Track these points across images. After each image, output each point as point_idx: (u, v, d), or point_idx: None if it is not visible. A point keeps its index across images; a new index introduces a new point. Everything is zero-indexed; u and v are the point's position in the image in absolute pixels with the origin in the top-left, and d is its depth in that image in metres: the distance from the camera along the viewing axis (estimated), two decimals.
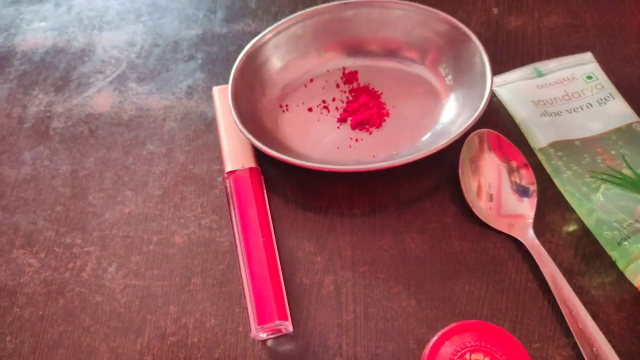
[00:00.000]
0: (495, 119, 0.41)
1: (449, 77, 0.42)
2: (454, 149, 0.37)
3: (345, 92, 0.43)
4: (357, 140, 0.41)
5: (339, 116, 0.42)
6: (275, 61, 0.43)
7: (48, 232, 0.39)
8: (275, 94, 0.43)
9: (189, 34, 0.48)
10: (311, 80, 0.44)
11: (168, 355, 0.34)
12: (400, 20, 0.43)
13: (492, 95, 0.42)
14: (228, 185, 0.37)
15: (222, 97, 0.41)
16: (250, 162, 0.38)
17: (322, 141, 0.41)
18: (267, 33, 0.42)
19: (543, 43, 0.44)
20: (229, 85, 0.39)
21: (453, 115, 0.40)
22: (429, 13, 0.42)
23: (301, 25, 0.43)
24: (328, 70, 0.44)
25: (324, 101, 0.43)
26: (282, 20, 0.43)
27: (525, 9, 0.46)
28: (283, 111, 0.42)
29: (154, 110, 0.44)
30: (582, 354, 0.31)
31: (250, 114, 0.40)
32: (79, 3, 0.51)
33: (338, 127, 0.41)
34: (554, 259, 0.34)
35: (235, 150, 0.38)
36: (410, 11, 0.43)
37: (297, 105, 0.43)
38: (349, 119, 0.41)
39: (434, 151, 0.35)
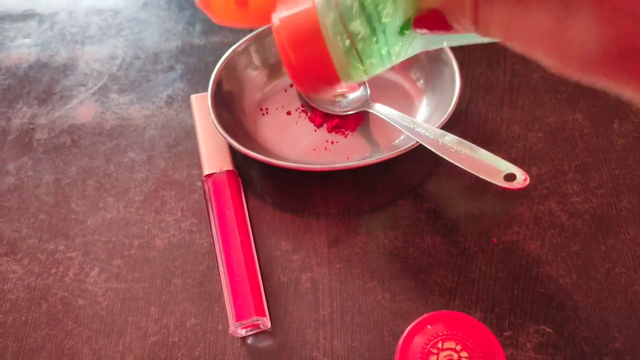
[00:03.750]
0: (464, 118, 0.43)
1: (421, 81, 0.43)
2: (426, 148, 0.38)
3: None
4: (332, 142, 0.42)
5: (316, 120, 0.43)
6: (254, 67, 0.44)
7: (31, 240, 0.39)
8: (255, 98, 0.44)
9: (168, 46, 0.49)
10: (291, 85, 0.45)
11: (149, 355, 0.34)
12: None
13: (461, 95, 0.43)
14: (206, 188, 0.38)
15: (200, 104, 0.42)
16: (227, 165, 0.39)
17: (299, 143, 0.42)
18: (247, 40, 0.44)
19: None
20: (209, 90, 0.41)
21: (425, 116, 0.41)
22: None
23: None
24: None
25: (302, 105, 0.44)
26: (261, 28, 0.44)
27: None
28: (263, 114, 0.44)
29: (134, 120, 0.45)
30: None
31: (229, 117, 0.41)
32: (62, 19, 0.52)
33: (315, 131, 0.43)
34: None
35: (213, 154, 0.40)
36: None
37: (277, 109, 0.44)
38: (326, 123, 0.43)
39: (404, 151, 0.37)
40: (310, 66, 0.29)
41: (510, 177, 0.34)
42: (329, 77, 0.29)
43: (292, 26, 0.29)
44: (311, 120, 0.43)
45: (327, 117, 0.43)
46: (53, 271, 0.38)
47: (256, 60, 0.44)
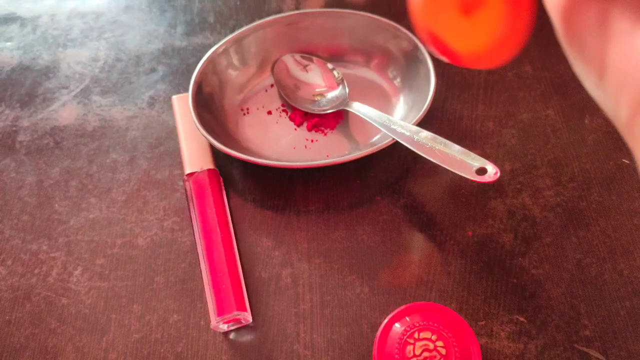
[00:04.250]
0: (440, 115, 0.44)
1: (397, 79, 0.44)
2: (403, 145, 0.39)
3: None
4: (312, 141, 0.43)
5: (296, 119, 0.44)
6: (235, 67, 0.45)
7: (14, 240, 0.40)
8: (236, 98, 0.45)
9: (150, 48, 0.50)
10: (271, 86, 0.46)
11: (132, 351, 0.35)
12: (352, 29, 0.46)
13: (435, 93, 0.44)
14: (188, 187, 0.39)
15: (181, 104, 0.43)
16: (208, 164, 0.40)
17: (279, 142, 0.43)
18: (228, 40, 0.44)
19: None
20: (190, 90, 0.41)
21: (402, 114, 0.42)
22: (379, 22, 0.45)
23: (260, 34, 0.45)
24: None
25: (282, 105, 0.45)
26: (243, 29, 0.45)
27: None
28: (244, 114, 0.44)
29: (117, 121, 0.45)
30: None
31: (211, 117, 0.42)
32: (44, 23, 0.53)
33: (295, 129, 0.44)
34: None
35: (194, 153, 0.40)
36: (361, 20, 0.45)
37: (258, 109, 0.45)
38: (306, 122, 0.44)
39: (381, 148, 0.38)
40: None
41: (482, 171, 0.35)
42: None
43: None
44: (291, 119, 0.44)
45: (307, 116, 0.44)
46: (36, 271, 0.38)
47: (236, 60, 0.45)
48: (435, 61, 0.42)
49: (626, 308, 0.34)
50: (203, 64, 0.43)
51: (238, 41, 0.45)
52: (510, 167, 0.41)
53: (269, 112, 0.44)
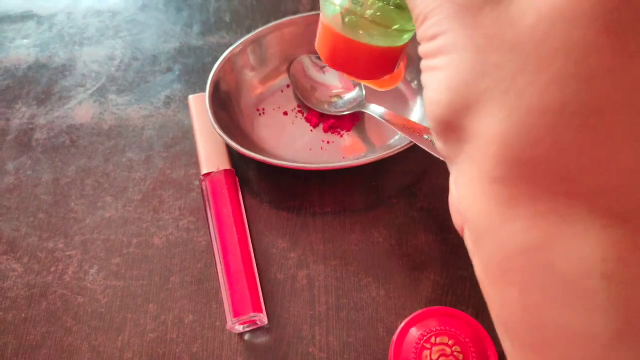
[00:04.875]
0: None
1: (415, 82, 0.44)
2: (420, 147, 0.39)
3: None
4: (328, 142, 0.43)
5: (312, 120, 0.44)
6: (251, 67, 0.45)
7: (31, 238, 0.40)
8: (252, 98, 0.45)
9: (166, 48, 0.50)
10: (287, 86, 0.46)
11: (148, 351, 0.35)
12: None
13: None
14: (204, 187, 0.39)
15: (197, 104, 0.43)
16: (224, 165, 0.40)
17: (295, 143, 0.43)
18: (245, 40, 0.44)
19: None
20: (207, 90, 0.41)
21: (419, 117, 0.42)
22: None
23: (277, 34, 0.45)
24: None
25: (298, 105, 0.45)
26: (260, 29, 0.45)
27: None
28: (260, 114, 0.44)
29: (133, 120, 0.45)
30: None
31: (227, 117, 0.42)
32: (60, 21, 0.53)
33: (311, 130, 0.43)
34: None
35: (210, 153, 0.40)
36: None
37: (273, 109, 0.45)
38: (322, 123, 0.43)
39: (398, 151, 0.37)
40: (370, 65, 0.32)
41: None
42: (382, 62, 0.32)
43: (323, 50, 0.33)
44: (307, 120, 0.44)
45: (323, 117, 0.43)
46: (52, 269, 0.39)
47: (253, 61, 0.45)
48: None
49: None
50: (220, 63, 0.43)
51: (255, 41, 0.45)
52: None
53: (285, 113, 0.44)
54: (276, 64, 0.46)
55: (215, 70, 0.42)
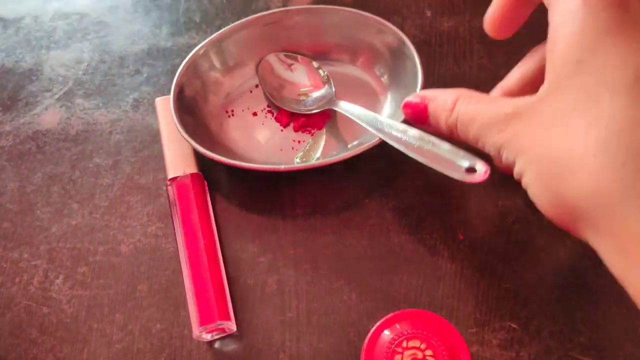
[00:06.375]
0: None
1: (385, 76, 0.43)
2: (391, 145, 0.38)
3: None
4: (299, 142, 0.42)
5: (282, 120, 0.43)
6: (218, 69, 0.44)
7: None
8: (220, 100, 0.44)
9: (134, 49, 0.49)
10: (256, 86, 0.45)
11: None
12: (338, 26, 0.44)
13: None
14: (170, 192, 0.38)
15: (164, 107, 0.41)
16: (191, 168, 0.39)
17: (266, 144, 0.42)
18: (208, 42, 0.43)
19: (474, 42, 0.46)
20: (171, 94, 0.40)
21: (391, 112, 0.41)
22: (364, 18, 0.43)
23: (242, 34, 0.44)
24: None
25: (268, 105, 0.44)
26: (223, 30, 0.44)
27: (457, 11, 0.48)
28: (229, 116, 0.43)
29: (100, 124, 0.44)
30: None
31: (194, 120, 0.41)
32: (26, 24, 0.51)
33: (281, 130, 0.42)
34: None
35: (177, 157, 0.39)
36: (347, 17, 0.44)
37: (243, 110, 0.44)
38: (292, 122, 0.42)
39: (367, 148, 0.36)
40: None
41: (471, 170, 0.33)
42: None
43: None
44: (277, 120, 0.43)
45: (293, 116, 0.42)
46: (17, 280, 0.38)
47: (218, 62, 0.44)
48: (427, 58, 0.41)
49: (623, 314, 0.33)
50: (184, 67, 0.42)
51: (218, 42, 0.43)
52: None
53: (255, 114, 0.43)
54: (243, 64, 0.45)
55: (179, 74, 0.41)
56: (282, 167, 0.37)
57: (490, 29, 0.33)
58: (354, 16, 0.43)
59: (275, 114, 0.43)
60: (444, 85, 0.44)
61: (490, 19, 0.32)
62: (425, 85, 0.39)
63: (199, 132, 0.40)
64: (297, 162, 0.39)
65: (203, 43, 0.43)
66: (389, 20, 0.42)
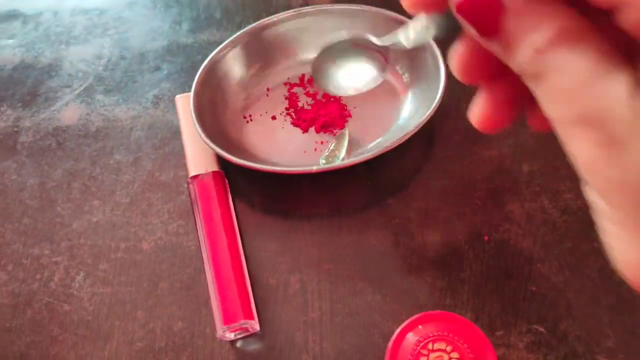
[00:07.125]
0: (455, 114, 0.42)
1: (406, 75, 0.43)
2: (414, 142, 0.37)
3: (307, 97, 0.44)
4: (322, 142, 0.41)
5: (302, 122, 0.42)
6: (235, 72, 0.44)
7: (16, 245, 0.39)
8: (238, 104, 0.43)
9: (155, 46, 0.48)
10: (271, 89, 0.44)
11: None
12: (356, 24, 0.44)
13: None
14: (192, 189, 0.38)
15: (184, 104, 0.41)
16: (213, 167, 0.38)
17: (288, 147, 0.41)
18: (225, 46, 0.43)
19: None
20: (191, 97, 0.40)
21: (412, 110, 0.41)
22: (383, 15, 0.43)
23: (259, 36, 0.44)
24: (289, 78, 0.45)
25: (287, 108, 0.43)
26: (239, 33, 0.43)
27: None
28: (247, 122, 0.43)
29: (120, 121, 0.44)
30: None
31: (214, 123, 0.41)
32: (46, 19, 0.51)
33: (303, 132, 0.42)
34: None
35: (198, 155, 0.39)
36: (366, 14, 0.44)
37: (261, 115, 0.43)
38: (313, 126, 0.42)
39: (392, 148, 0.36)
40: None
41: None
42: None
43: None
44: (295, 126, 0.42)
45: (312, 119, 0.42)
46: (38, 277, 0.37)
47: (237, 65, 0.44)
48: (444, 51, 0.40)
49: None
50: (204, 69, 0.42)
51: (238, 45, 0.43)
52: (528, 169, 0.39)
53: (274, 117, 0.43)
54: (261, 66, 0.44)
55: (199, 76, 0.41)
56: (315, 168, 0.37)
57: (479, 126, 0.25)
58: (376, 14, 0.43)
59: (293, 119, 0.43)
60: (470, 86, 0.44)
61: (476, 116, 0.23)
62: (449, 86, 0.38)
63: (219, 133, 0.40)
64: (322, 163, 0.39)
65: (221, 46, 0.43)
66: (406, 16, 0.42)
